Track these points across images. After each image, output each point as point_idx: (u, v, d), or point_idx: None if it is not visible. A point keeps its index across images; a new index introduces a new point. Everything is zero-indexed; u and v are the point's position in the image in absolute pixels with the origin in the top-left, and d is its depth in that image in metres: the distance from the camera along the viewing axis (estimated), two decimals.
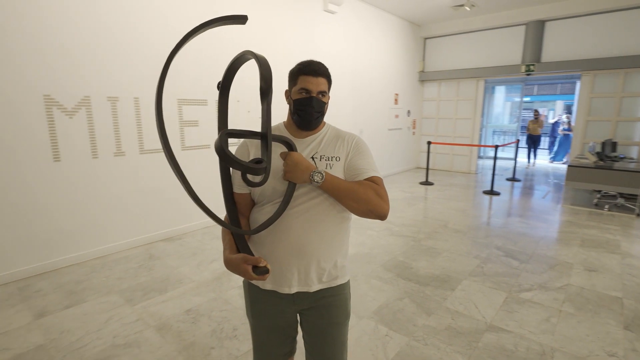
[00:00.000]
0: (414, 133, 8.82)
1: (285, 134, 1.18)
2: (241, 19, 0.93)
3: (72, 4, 3.06)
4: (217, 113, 1.10)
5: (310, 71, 1.11)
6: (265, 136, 0.97)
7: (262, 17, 4.73)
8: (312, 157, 1.15)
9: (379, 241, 3.89)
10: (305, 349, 1.29)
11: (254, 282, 1.19)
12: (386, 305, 2.60)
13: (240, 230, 1.06)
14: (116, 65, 3.38)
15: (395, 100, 7.86)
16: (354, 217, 1.21)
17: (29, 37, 2.87)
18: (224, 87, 1.05)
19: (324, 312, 1.20)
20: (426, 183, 7.02)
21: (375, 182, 1.11)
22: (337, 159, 1.16)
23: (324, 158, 1.15)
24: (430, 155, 8.36)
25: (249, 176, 1.04)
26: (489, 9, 7.08)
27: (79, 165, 3.25)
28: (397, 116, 7.97)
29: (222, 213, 1.15)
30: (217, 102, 1.03)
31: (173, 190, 3.91)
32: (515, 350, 2.11)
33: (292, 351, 1.31)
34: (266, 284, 1.17)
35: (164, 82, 0.87)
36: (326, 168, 1.13)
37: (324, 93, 1.14)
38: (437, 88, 8.63)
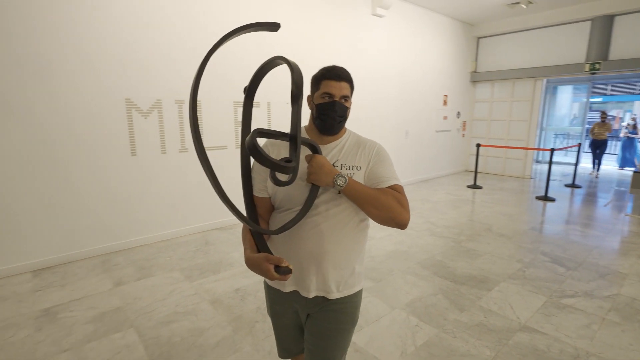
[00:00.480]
0: (463, 135, 8.59)
1: None
2: (274, 26, 0.95)
3: (148, 21, 3.55)
4: (242, 115, 1.13)
5: (333, 76, 1.12)
6: (294, 138, 0.98)
7: (309, 23, 5.01)
8: (333, 164, 1.15)
9: (418, 240, 3.96)
10: (306, 347, 1.30)
11: (273, 283, 1.22)
12: (419, 299, 2.70)
13: (262, 229, 1.06)
14: (183, 72, 3.84)
15: (444, 101, 7.74)
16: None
17: (113, 49, 3.40)
18: (250, 90, 1.07)
19: (332, 316, 1.20)
20: (474, 186, 6.83)
21: (396, 190, 1.10)
22: (358, 168, 1.16)
23: (345, 167, 1.15)
24: (481, 158, 8.11)
25: (277, 175, 1.05)
26: (549, 5, 6.72)
27: (150, 159, 3.76)
28: (445, 118, 7.83)
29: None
30: (242, 104, 1.10)
31: (227, 186, 4.31)
32: (547, 351, 2.12)
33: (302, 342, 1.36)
34: (287, 287, 1.18)
35: (199, 85, 0.90)
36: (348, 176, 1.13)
37: (347, 98, 1.15)
38: (490, 89, 8.32)
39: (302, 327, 1.29)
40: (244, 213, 1.10)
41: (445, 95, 7.74)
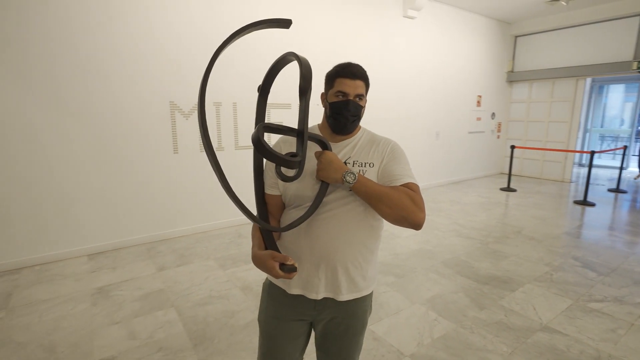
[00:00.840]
0: (498, 137, 8.36)
1: None
2: (285, 23, 0.94)
3: (189, 29, 3.87)
4: (255, 113, 1.11)
5: (347, 73, 1.07)
6: (301, 133, 0.96)
7: (340, 25, 5.16)
8: (345, 162, 1.11)
9: (443, 241, 3.98)
10: (318, 356, 1.26)
11: (279, 282, 1.16)
12: (440, 296, 2.77)
13: (269, 226, 1.05)
14: (220, 76, 4.13)
15: (478, 102, 7.59)
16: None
17: (160, 56, 3.74)
18: (264, 89, 1.04)
19: (342, 321, 1.15)
20: (507, 189, 6.66)
21: (411, 189, 1.04)
22: (371, 165, 1.11)
23: (357, 163, 1.11)
24: (517, 160, 7.88)
25: (283, 170, 1.03)
26: (592, 1, 6.41)
27: (190, 157, 4.08)
28: (479, 119, 7.68)
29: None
30: (256, 103, 1.09)
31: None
32: (567, 351, 2.12)
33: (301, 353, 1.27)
34: (293, 289, 1.12)
35: (207, 84, 0.89)
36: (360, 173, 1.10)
37: (362, 96, 1.09)
38: (527, 89, 8.04)
39: (301, 339, 1.20)
40: (255, 210, 1.10)
41: (479, 96, 7.59)
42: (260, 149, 0.87)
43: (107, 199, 3.63)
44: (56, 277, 3.07)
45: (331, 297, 1.11)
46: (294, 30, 4.52)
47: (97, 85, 3.43)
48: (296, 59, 0.93)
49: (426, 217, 1.83)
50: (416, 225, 1.01)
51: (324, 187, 1.04)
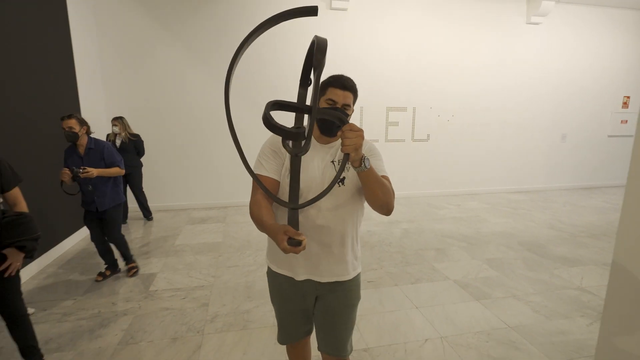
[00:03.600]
0: None
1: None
2: (312, 11, 0.90)
3: (387, 39, 5.43)
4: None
5: (338, 85, 1.17)
6: (311, 109, 0.94)
7: (460, 35, 5.93)
8: (332, 162, 1.22)
9: (532, 229, 4.46)
10: (317, 328, 1.39)
11: (286, 270, 1.29)
12: (499, 259, 3.52)
13: (288, 203, 1.05)
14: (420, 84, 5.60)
15: (625, 103, 6.96)
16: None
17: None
18: (304, 79, 1.05)
19: (341, 295, 1.30)
20: None
21: (388, 181, 1.19)
22: None
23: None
24: None
25: (291, 146, 1.05)
26: None
27: (399, 146, 5.67)
28: (624, 122, 7.02)
29: None
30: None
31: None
32: (587, 302, 2.71)
33: (311, 329, 1.45)
34: (300, 275, 1.26)
35: (231, 77, 0.88)
36: (345, 171, 1.22)
37: (348, 106, 1.19)
38: None
39: (307, 312, 1.37)
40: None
41: (627, 97, 6.95)
42: (269, 125, 0.91)
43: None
44: (247, 211, 5.08)
45: (335, 280, 1.27)
46: (415, 39, 5.63)
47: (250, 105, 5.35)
48: (315, 39, 0.93)
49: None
50: (390, 211, 1.17)
51: (345, 159, 1.00)
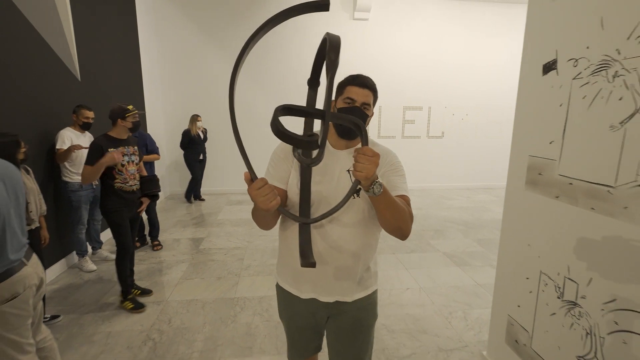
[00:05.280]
0: None
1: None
2: (324, 6, 0.84)
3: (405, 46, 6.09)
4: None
5: (357, 83, 1.12)
6: (325, 113, 0.86)
7: (475, 38, 6.38)
8: (348, 170, 1.12)
9: None
10: (331, 351, 1.30)
11: (291, 288, 1.21)
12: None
13: (299, 218, 1.02)
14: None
15: None
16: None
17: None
18: (313, 80, 1.01)
19: (355, 315, 1.22)
20: None
21: (407, 202, 1.09)
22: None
23: None
24: None
25: (304, 155, 1.02)
26: None
27: (415, 142, 6.36)
28: None
29: None
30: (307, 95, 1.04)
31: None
32: None
33: (320, 346, 1.35)
34: (305, 293, 1.18)
35: (237, 74, 0.82)
36: None
37: (368, 106, 1.12)
38: None
39: (317, 328, 1.29)
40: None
41: None
42: (278, 133, 0.83)
43: None
44: None
45: (343, 300, 1.17)
46: (430, 44, 6.18)
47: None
48: (326, 36, 0.86)
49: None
50: (405, 237, 1.07)
51: (355, 184, 0.94)
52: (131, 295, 2.63)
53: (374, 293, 1.26)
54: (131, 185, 2.56)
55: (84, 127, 3.11)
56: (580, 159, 1.35)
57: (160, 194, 3.13)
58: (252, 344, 2.22)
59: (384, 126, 6.45)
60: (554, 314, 1.49)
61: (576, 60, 1.36)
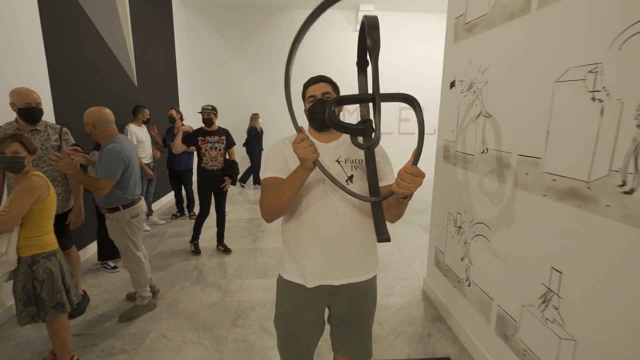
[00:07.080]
0: None
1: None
2: None
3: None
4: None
5: (312, 81, 1.25)
6: (374, 97, 0.92)
7: None
8: (337, 161, 1.21)
9: None
10: (334, 339, 1.35)
11: (295, 278, 1.24)
12: None
13: (363, 197, 1.04)
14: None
15: None
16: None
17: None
18: (361, 63, 1.06)
19: (358, 301, 1.28)
20: None
21: None
22: (361, 161, 1.23)
23: (349, 161, 1.23)
24: None
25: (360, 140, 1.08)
26: None
27: (410, 138, 7.20)
28: None
29: None
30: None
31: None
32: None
33: (314, 350, 1.37)
34: (310, 282, 1.21)
35: (291, 65, 0.92)
36: (351, 170, 1.21)
37: (329, 94, 1.22)
38: None
39: (320, 323, 1.32)
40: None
41: None
42: (333, 124, 0.90)
43: None
44: None
45: (350, 281, 1.24)
46: (424, 51, 7.01)
47: None
48: (364, 19, 0.90)
49: None
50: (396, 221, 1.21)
51: (390, 193, 1.02)
52: (196, 241, 3.57)
53: (375, 278, 1.33)
54: (211, 166, 3.15)
55: (145, 122, 4.13)
56: (461, 142, 2.27)
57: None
58: (267, 273, 3.20)
59: (382, 124, 7.29)
60: (453, 237, 2.41)
61: (461, 81, 2.28)
